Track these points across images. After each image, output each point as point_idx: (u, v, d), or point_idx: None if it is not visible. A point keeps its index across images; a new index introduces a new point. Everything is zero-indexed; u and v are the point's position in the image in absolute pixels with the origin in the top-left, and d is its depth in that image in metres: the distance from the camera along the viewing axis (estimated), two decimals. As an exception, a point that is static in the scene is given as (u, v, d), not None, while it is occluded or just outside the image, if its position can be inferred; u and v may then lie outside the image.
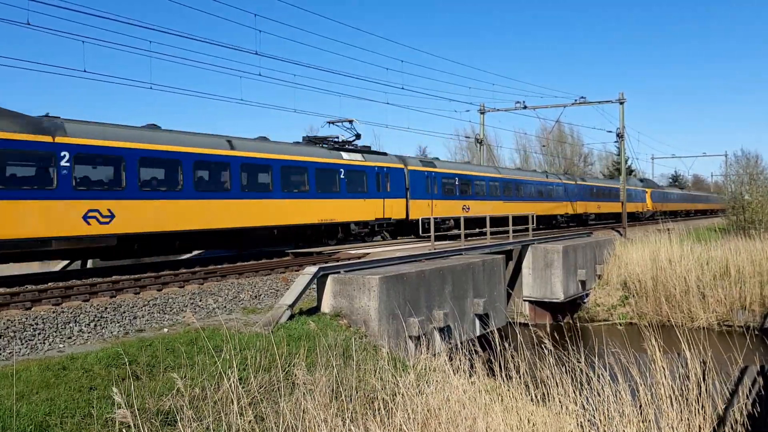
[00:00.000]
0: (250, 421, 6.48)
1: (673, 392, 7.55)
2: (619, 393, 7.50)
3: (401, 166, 24.54)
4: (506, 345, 8.74)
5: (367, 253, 17.95)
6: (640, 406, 7.42)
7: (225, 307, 12.71)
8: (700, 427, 7.41)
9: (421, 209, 24.85)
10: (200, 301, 12.75)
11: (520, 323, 17.49)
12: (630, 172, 57.85)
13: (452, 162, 33.90)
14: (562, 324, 20.99)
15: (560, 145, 67.15)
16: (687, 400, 7.62)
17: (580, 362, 8.08)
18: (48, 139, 13.42)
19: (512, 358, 8.39)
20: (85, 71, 26.43)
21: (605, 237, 27.62)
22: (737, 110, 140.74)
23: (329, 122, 24.58)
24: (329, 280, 12.11)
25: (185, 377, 7.61)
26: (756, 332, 17.99)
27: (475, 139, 40.68)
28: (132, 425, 5.55)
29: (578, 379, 7.89)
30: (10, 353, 8.97)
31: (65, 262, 18.13)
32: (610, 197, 45.49)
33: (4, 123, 12.82)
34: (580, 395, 7.61)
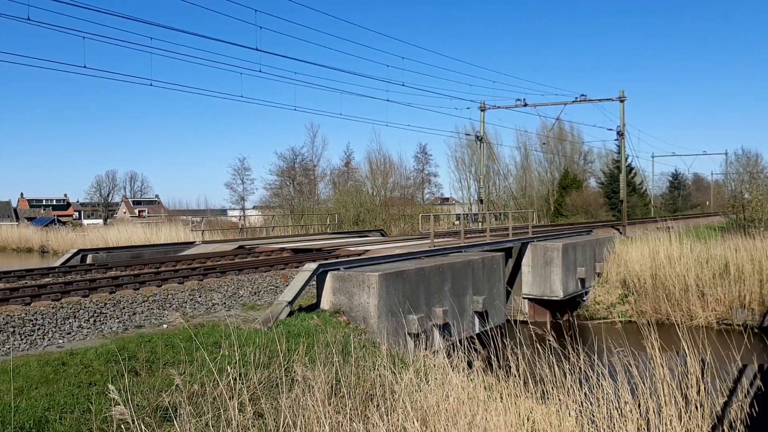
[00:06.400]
0: (249, 417, 6.48)
1: (672, 390, 7.55)
2: (618, 391, 7.50)
3: None
4: (505, 342, 8.74)
5: (367, 250, 17.95)
6: (639, 404, 7.42)
7: (224, 303, 12.71)
8: (698, 425, 7.42)
9: None
10: (200, 297, 12.76)
11: (519, 321, 17.48)
12: (630, 170, 57.80)
13: None
14: (562, 322, 20.99)
15: (560, 143, 67.08)
16: (686, 398, 7.63)
17: (579, 360, 8.07)
18: None
19: (512, 355, 8.39)
20: (85, 66, 26.42)
21: (605, 235, 27.61)
22: (738, 109, 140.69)
23: None
24: (329, 276, 12.11)
25: (184, 373, 7.61)
26: (755, 331, 18.00)
27: (476, 136, 40.63)
28: (131, 421, 5.55)
29: (577, 377, 7.89)
30: (9, 348, 8.97)
31: (65, 258, 18.13)
32: None
33: None
34: (579, 393, 7.60)
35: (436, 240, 19.08)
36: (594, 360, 8.09)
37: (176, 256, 19.15)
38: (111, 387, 5.38)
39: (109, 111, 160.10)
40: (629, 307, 21.44)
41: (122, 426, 6.05)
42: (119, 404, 5.29)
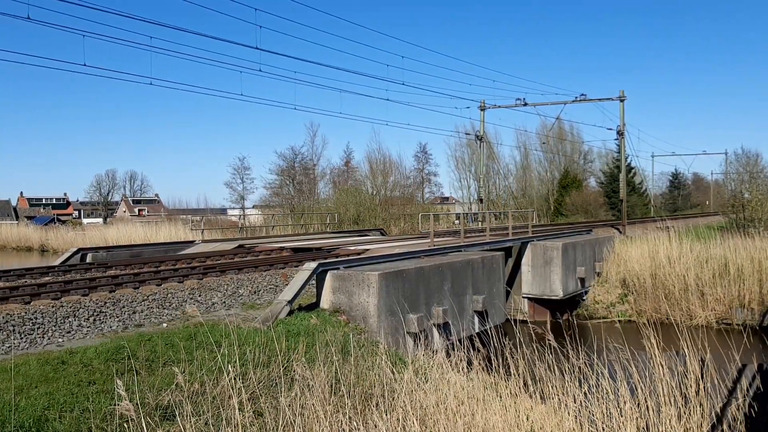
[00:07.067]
0: (248, 416, 6.49)
1: (672, 390, 7.55)
2: (618, 390, 7.50)
3: None
4: (505, 342, 8.74)
5: (367, 249, 17.96)
6: (639, 403, 7.42)
7: (224, 302, 12.71)
8: (698, 425, 7.42)
9: None
10: (199, 296, 12.76)
11: (519, 320, 17.48)
12: (630, 169, 57.77)
13: None
14: (561, 321, 21.00)
15: (560, 143, 67.05)
16: (685, 397, 7.63)
17: (578, 359, 8.07)
18: None
19: (511, 355, 8.39)
20: (85, 65, 26.37)
21: (605, 235, 27.62)
22: (738, 109, 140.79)
23: None
24: (328, 276, 12.11)
25: (184, 372, 7.60)
26: (755, 330, 18.01)
27: (476, 135, 40.62)
28: (137, 418, 5.56)
29: (577, 377, 7.89)
30: (9, 347, 8.97)
31: (64, 257, 18.13)
32: None
33: None
34: (579, 392, 7.60)
35: (435, 239, 19.09)
36: (593, 359, 8.09)
37: (176, 255, 19.15)
38: (118, 382, 5.40)
39: (109, 111, 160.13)
40: (629, 307, 21.45)
41: (123, 425, 6.06)
42: (125, 400, 5.30)
